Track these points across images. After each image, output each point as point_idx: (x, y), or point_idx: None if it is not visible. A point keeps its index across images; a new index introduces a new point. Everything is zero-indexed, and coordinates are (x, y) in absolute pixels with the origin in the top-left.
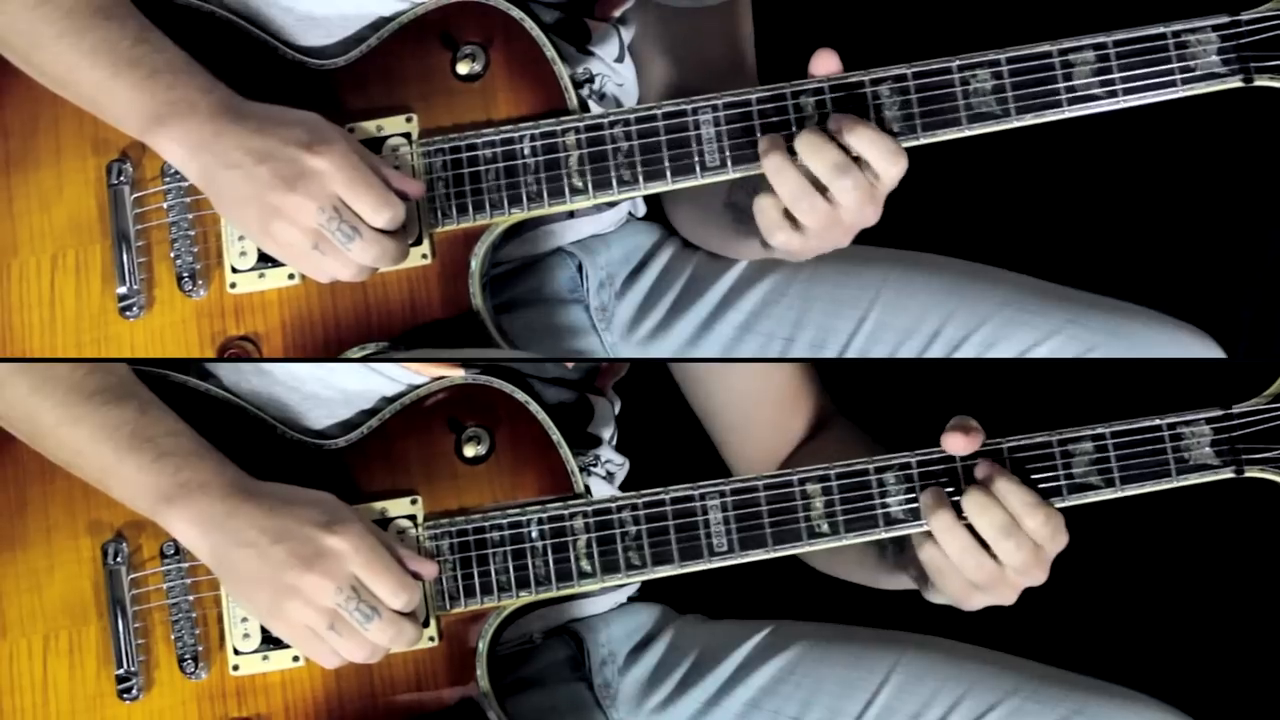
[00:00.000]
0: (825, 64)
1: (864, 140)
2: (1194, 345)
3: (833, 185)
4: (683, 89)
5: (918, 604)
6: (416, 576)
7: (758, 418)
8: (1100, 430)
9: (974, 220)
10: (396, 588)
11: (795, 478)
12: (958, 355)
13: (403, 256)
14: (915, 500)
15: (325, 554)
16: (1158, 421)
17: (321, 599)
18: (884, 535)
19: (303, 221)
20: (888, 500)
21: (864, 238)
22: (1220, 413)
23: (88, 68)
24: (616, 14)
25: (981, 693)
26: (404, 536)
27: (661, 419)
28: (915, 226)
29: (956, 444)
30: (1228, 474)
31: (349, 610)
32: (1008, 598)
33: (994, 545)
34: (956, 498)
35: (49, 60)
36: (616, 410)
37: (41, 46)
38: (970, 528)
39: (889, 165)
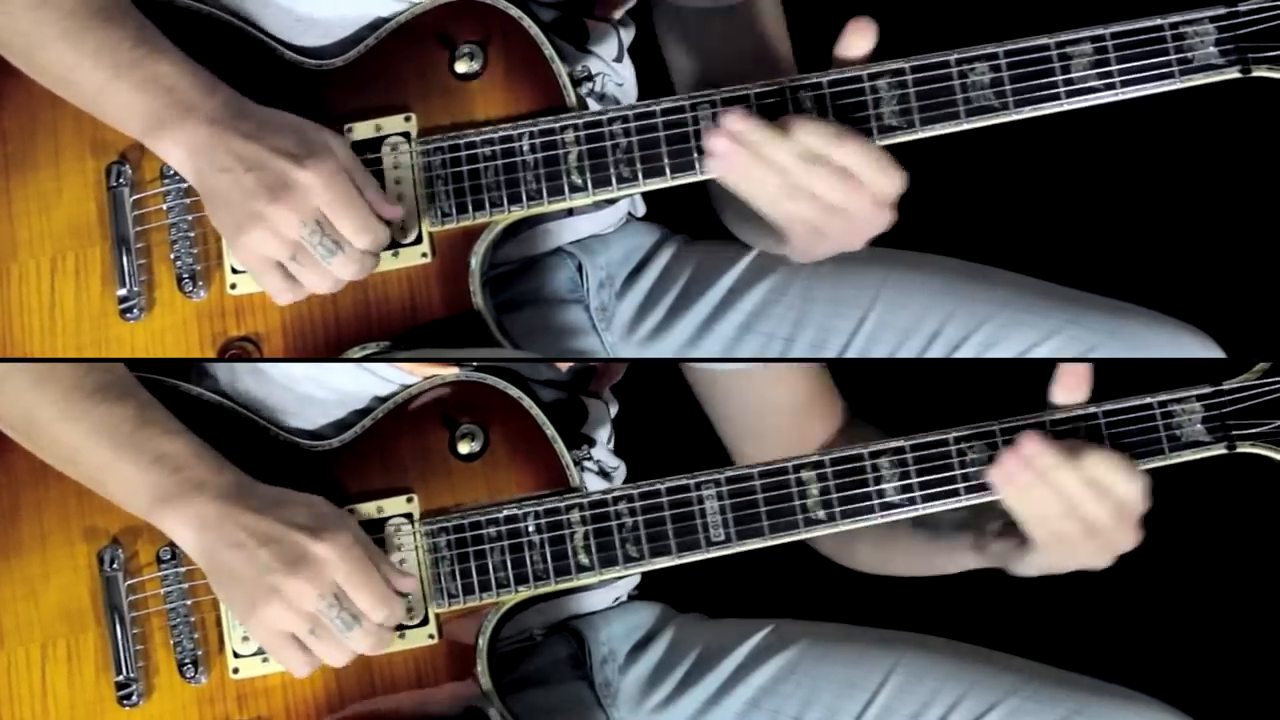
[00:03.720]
0: (860, 38)
1: (808, 132)
2: (1194, 345)
3: (806, 177)
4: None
5: (918, 604)
6: (399, 593)
7: (776, 425)
8: (1092, 410)
9: (974, 220)
10: (378, 602)
11: (790, 465)
12: (958, 355)
13: (374, 267)
14: (910, 485)
15: (310, 560)
16: (1149, 399)
17: (303, 604)
18: (879, 520)
19: (283, 233)
20: (883, 486)
21: None
22: (1211, 389)
23: (88, 69)
24: (617, 15)
25: (981, 693)
26: (400, 535)
27: (659, 423)
28: (915, 226)
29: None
30: (1220, 450)
31: (329, 617)
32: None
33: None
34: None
35: (49, 61)
36: (613, 413)
37: (42, 47)
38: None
39: (830, 146)
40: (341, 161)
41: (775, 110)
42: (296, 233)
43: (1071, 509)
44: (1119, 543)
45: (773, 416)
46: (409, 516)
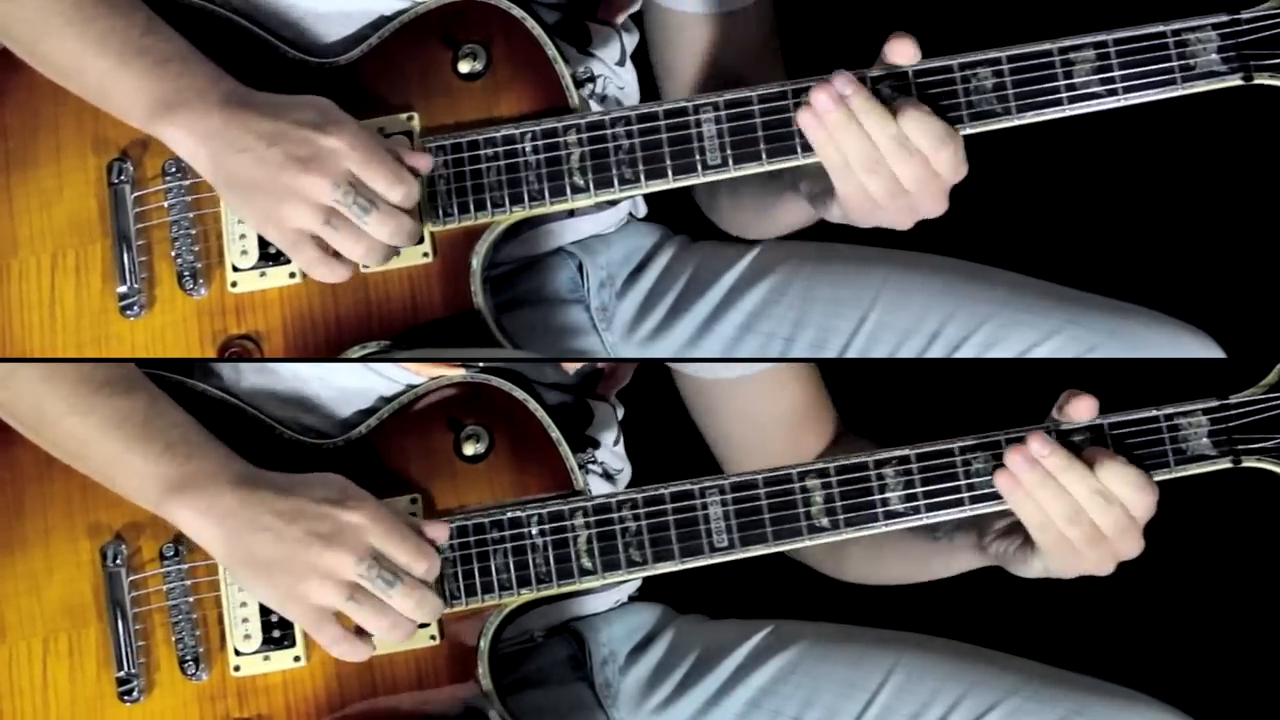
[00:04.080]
0: (903, 52)
1: (914, 123)
2: (1194, 345)
3: (894, 158)
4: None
5: (918, 604)
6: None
7: (769, 437)
8: (1099, 422)
9: (974, 220)
10: (416, 554)
11: (795, 472)
12: (958, 355)
13: (417, 235)
14: (914, 494)
15: (343, 529)
16: (1155, 413)
17: (343, 573)
18: (883, 529)
19: (317, 198)
20: (887, 495)
21: (866, 238)
22: (1217, 403)
23: (95, 56)
24: (620, 20)
25: (981, 693)
26: None
27: (665, 425)
28: (915, 226)
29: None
30: (1225, 464)
31: (370, 579)
32: (1107, 565)
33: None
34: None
35: (55, 49)
36: (619, 416)
37: (49, 35)
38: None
39: (937, 145)
40: (360, 125)
41: (778, 113)
42: (330, 197)
43: (1077, 515)
44: (1122, 551)
45: (766, 429)
46: (413, 517)
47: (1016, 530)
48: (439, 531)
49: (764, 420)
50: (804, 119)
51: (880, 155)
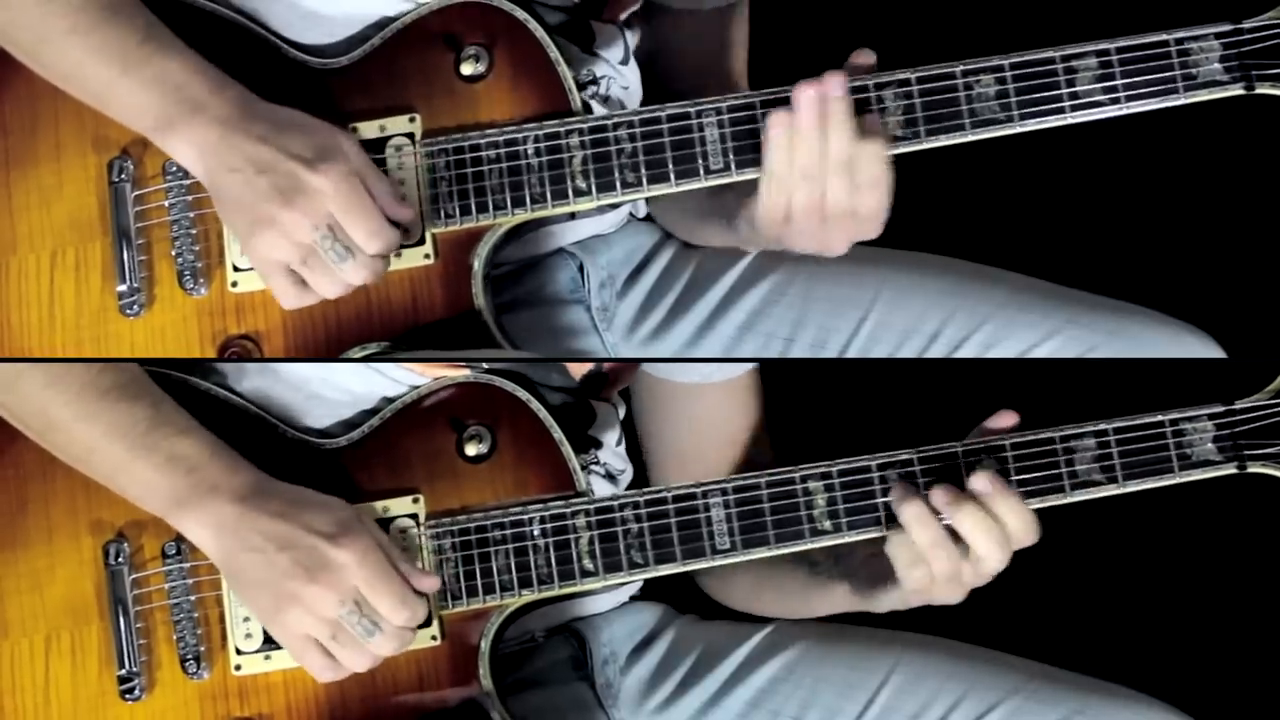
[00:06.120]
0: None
1: (867, 146)
2: (1194, 345)
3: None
4: (675, 92)
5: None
6: (419, 593)
7: (708, 449)
8: (1103, 427)
9: (974, 220)
10: (398, 605)
11: (797, 474)
12: (958, 355)
13: (384, 270)
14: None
15: (329, 566)
16: (1160, 418)
17: (323, 610)
18: (884, 532)
19: (295, 237)
20: (889, 498)
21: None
22: (1222, 409)
23: (96, 64)
24: (623, 17)
25: (981, 693)
26: (406, 536)
27: None
28: (915, 227)
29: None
30: (1230, 470)
31: (351, 623)
32: (958, 595)
33: (988, 547)
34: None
35: (56, 56)
36: (621, 416)
37: (49, 42)
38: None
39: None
40: (353, 164)
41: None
42: (308, 236)
43: (946, 545)
44: (975, 582)
45: (710, 438)
46: (415, 517)
47: (879, 561)
48: (428, 582)
49: (709, 432)
50: (795, 108)
51: (817, 170)
